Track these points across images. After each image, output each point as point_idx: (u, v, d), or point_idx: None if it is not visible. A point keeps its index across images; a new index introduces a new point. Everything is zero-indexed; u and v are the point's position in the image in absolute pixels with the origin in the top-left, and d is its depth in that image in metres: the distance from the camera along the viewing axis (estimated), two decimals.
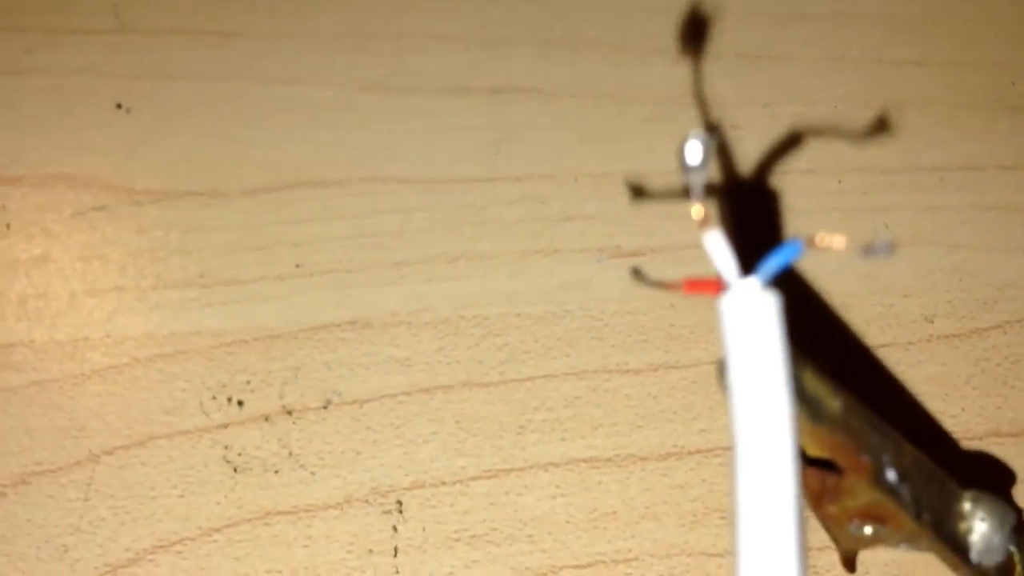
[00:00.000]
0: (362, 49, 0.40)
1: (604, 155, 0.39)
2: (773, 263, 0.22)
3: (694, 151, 0.22)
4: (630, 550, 0.33)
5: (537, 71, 0.40)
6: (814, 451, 0.26)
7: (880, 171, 0.39)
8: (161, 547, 0.32)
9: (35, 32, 0.40)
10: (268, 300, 0.36)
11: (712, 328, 0.35)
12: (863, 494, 0.27)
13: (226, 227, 0.37)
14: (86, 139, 0.38)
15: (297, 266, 0.36)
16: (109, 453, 0.33)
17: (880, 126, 0.39)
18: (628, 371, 0.35)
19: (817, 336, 0.36)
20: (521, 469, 0.34)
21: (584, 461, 0.34)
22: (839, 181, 0.39)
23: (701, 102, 0.40)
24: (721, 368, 0.22)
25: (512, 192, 0.38)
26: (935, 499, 0.28)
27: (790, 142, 0.39)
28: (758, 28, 0.42)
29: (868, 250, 0.21)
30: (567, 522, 0.33)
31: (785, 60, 0.41)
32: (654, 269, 0.37)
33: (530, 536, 0.33)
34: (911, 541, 0.29)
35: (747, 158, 0.39)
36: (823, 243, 0.22)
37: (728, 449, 0.32)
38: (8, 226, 0.36)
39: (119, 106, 0.39)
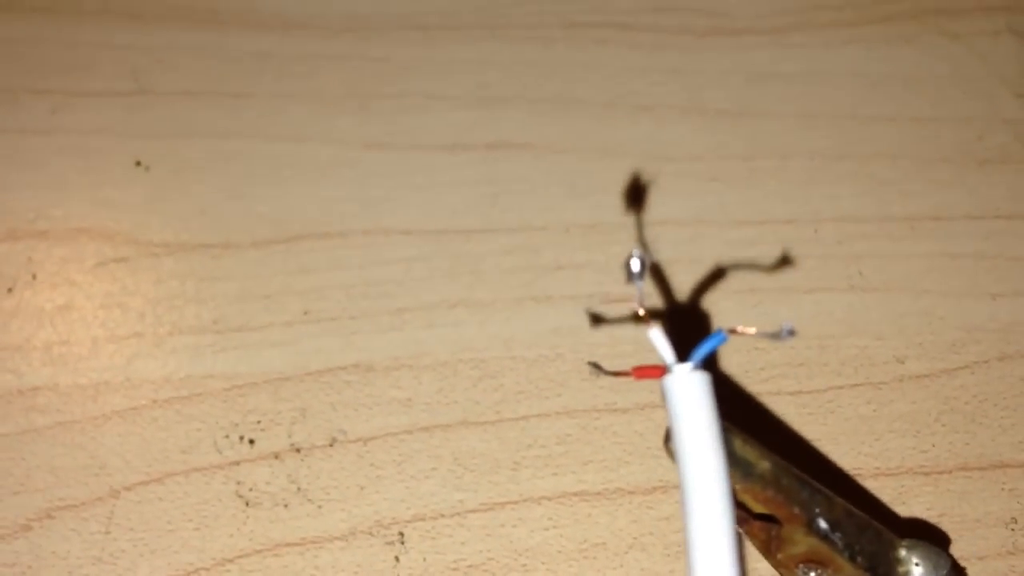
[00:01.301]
0: (364, 109, 0.42)
1: (593, 207, 0.40)
2: (703, 349, 0.27)
3: (636, 264, 0.27)
4: None
5: (530, 128, 0.42)
6: (755, 507, 0.29)
7: (854, 221, 0.40)
8: None
9: (59, 94, 0.41)
10: (277, 345, 0.37)
11: None
12: (801, 541, 0.30)
13: (237, 277, 0.38)
14: (107, 195, 0.39)
15: (304, 313, 0.38)
16: (129, 489, 0.34)
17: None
18: (616, 410, 0.36)
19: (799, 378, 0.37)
20: (516, 502, 0.35)
21: (575, 495, 0.35)
22: (815, 230, 0.40)
23: (684, 156, 0.42)
24: (667, 437, 0.28)
25: (507, 242, 0.39)
26: (870, 545, 0.30)
27: (768, 194, 0.41)
28: (737, 86, 0.43)
29: (775, 336, 0.27)
30: (559, 552, 0.34)
31: (762, 116, 0.43)
32: None
33: (524, 566, 0.34)
34: None
35: (727, 208, 0.40)
36: (741, 331, 0.28)
37: None
38: (34, 276, 0.37)
39: (138, 163, 0.40)
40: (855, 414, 0.37)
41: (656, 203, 0.40)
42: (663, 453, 0.35)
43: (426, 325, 0.38)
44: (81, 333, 0.37)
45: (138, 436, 0.35)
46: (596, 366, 0.30)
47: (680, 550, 0.34)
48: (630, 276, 0.28)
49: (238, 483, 0.34)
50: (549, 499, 0.35)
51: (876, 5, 0.46)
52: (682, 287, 0.39)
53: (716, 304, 0.38)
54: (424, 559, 0.34)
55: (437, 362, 0.37)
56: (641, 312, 0.28)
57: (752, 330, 0.28)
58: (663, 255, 0.39)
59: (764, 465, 0.29)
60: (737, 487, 0.29)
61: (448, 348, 0.37)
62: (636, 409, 0.36)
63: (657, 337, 0.28)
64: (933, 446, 0.36)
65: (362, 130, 0.42)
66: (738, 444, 0.28)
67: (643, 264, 0.28)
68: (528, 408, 0.36)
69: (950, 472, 0.36)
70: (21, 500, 0.34)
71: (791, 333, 0.27)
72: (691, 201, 0.41)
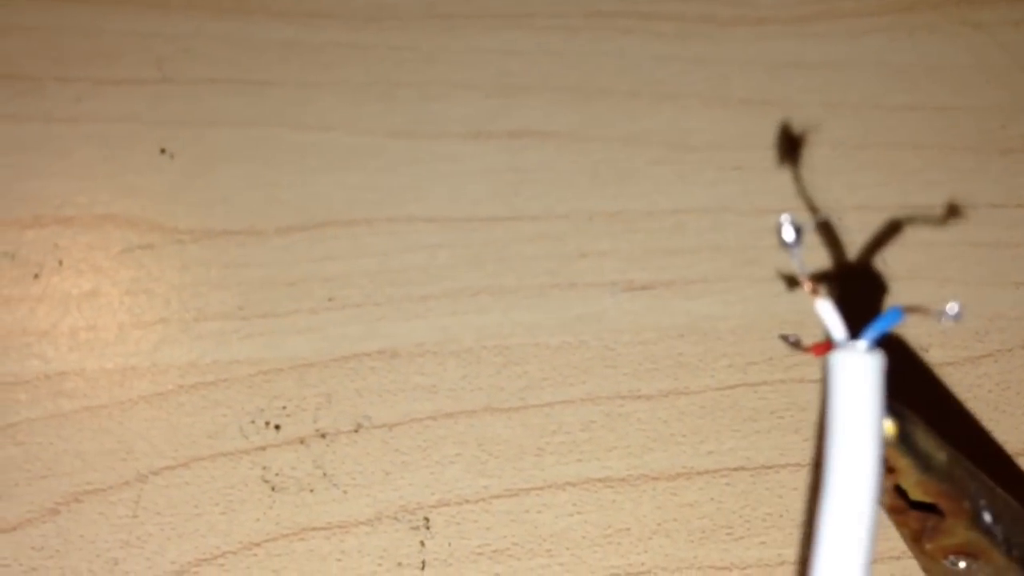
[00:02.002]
0: (389, 97, 0.42)
1: (616, 195, 0.40)
2: (878, 327, 0.25)
3: (789, 231, 0.25)
4: (643, 564, 0.34)
5: (553, 117, 0.42)
6: (919, 497, 0.29)
7: (877, 210, 0.41)
8: (205, 560, 0.33)
9: (84, 82, 0.41)
10: (302, 331, 0.37)
11: (718, 356, 0.37)
12: (960, 534, 0.30)
13: (262, 264, 0.38)
14: (132, 182, 0.39)
15: (329, 300, 0.38)
16: (156, 473, 0.34)
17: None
18: (640, 397, 0.37)
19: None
20: (540, 488, 0.35)
21: (599, 481, 0.35)
22: (839, 218, 0.40)
23: (707, 145, 0.42)
24: None
25: (530, 230, 0.40)
26: (1022, 536, 0.30)
27: (790, 182, 0.41)
28: (760, 76, 0.44)
29: (942, 314, 0.25)
30: (583, 538, 0.34)
31: (786, 105, 0.43)
32: (664, 302, 0.38)
33: (549, 551, 0.34)
34: (999, 575, 0.31)
35: (750, 197, 0.41)
36: (920, 311, 0.25)
37: (733, 470, 0.34)
38: (61, 263, 0.38)
39: (163, 151, 0.40)
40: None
41: (679, 191, 0.41)
42: (687, 440, 0.36)
43: (450, 312, 0.38)
44: (107, 319, 0.37)
45: (165, 421, 0.35)
46: (795, 343, 0.28)
47: (704, 536, 0.35)
48: (784, 244, 0.26)
49: (264, 468, 0.35)
50: (573, 485, 0.35)
51: None
52: (705, 275, 0.39)
53: (739, 291, 0.38)
54: (449, 544, 0.34)
55: (461, 348, 0.37)
56: (809, 287, 0.26)
57: (929, 310, 0.26)
58: (685, 244, 0.39)
59: (941, 457, 0.28)
60: (913, 480, 0.28)
61: (472, 335, 0.38)
62: (660, 396, 0.37)
63: (826, 311, 0.25)
64: (956, 434, 0.36)
65: (386, 118, 0.42)
66: (920, 435, 0.28)
67: (797, 230, 0.26)
68: (552, 395, 0.37)
69: (973, 459, 0.36)
70: (49, 484, 0.34)
71: (957, 316, 0.25)
72: (714, 189, 0.41)
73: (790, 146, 0.42)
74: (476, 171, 0.41)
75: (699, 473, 0.35)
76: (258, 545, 0.34)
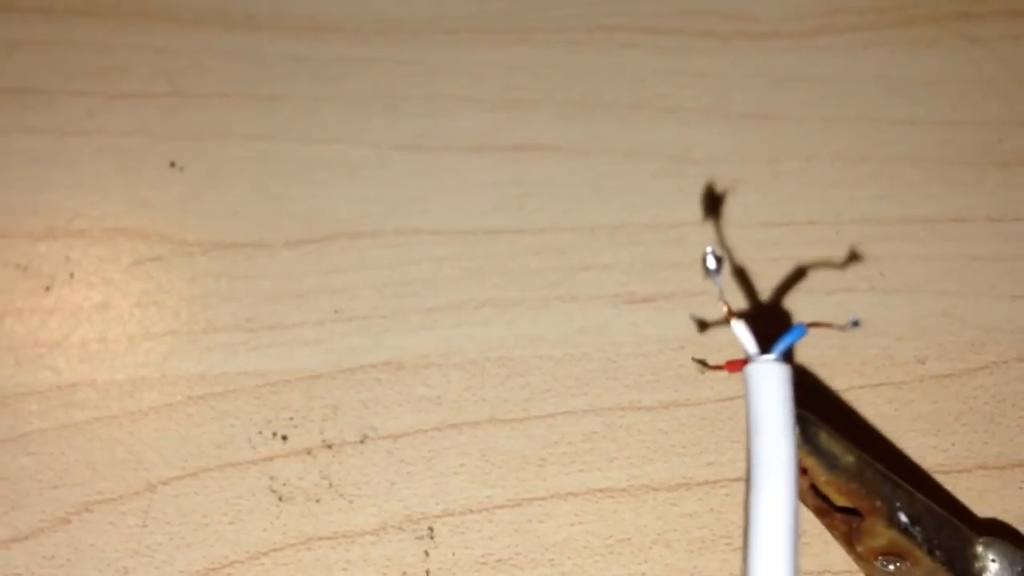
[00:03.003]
0: (395, 111, 0.43)
1: (619, 208, 0.41)
2: (784, 342, 0.29)
3: (712, 261, 0.29)
4: (643, 573, 0.34)
5: (557, 130, 0.43)
6: (838, 499, 0.30)
7: (875, 223, 0.41)
8: (213, 569, 0.34)
9: (96, 96, 0.42)
10: (309, 343, 0.38)
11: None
12: (882, 534, 0.31)
13: (270, 276, 0.39)
14: (143, 195, 0.40)
15: (335, 312, 0.38)
16: (165, 483, 0.35)
17: None
18: (641, 408, 0.37)
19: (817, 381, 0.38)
20: (543, 498, 0.35)
21: (601, 491, 0.36)
22: (837, 232, 0.41)
23: (708, 158, 0.42)
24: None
25: (534, 243, 0.40)
26: (948, 540, 0.31)
27: (791, 195, 0.42)
28: (760, 89, 0.44)
29: (842, 327, 0.29)
30: (585, 547, 0.35)
31: (786, 119, 0.43)
32: (665, 314, 0.39)
33: (551, 560, 0.34)
34: None
35: (750, 210, 0.41)
36: (821, 324, 0.29)
37: (733, 480, 0.35)
38: (72, 275, 0.38)
39: (172, 164, 0.41)
40: (876, 413, 0.37)
41: (680, 205, 0.41)
42: (687, 451, 0.36)
43: (455, 324, 0.38)
44: (118, 330, 0.38)
45: (174, 432, 0.36)
46: (702, 363, 0.31)
47: (704, 546, 0.35)
48: (707, 272, 0.30)
49: (271, 478, 0.35)
50: (575, 495, 0.36)
51: (898, 9, 0.46)
52: (706, 287, 0.39)
53: (739, 304, 0.39)
54: (453, 553, 0.35)
55: (466, 360, 0.38)
56: (724, 307, 0.30)
57: (831, 324, 0.30)
58: (687, 256, 0.40)
59: (849, 459, 0.30)
60: (822, 479, 0.30)
61: (476, 347, 0.38)
62: (660, 408, 0.37)
63: (740, 330, 0.29)
64: (953, 445, 0.37)
65: (392, 132, 0.42)
66: (824, 437, 0.30)
67: (718, 260, 0.30)
68: (555, 406, 0.37)
69: (969, 471, 0.36)
70: (60, 494, 0.35)
71: (856, 324, 0.29)
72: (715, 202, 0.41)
73: (788, 160, 0.42)
74: (481, 184, 0.41)
75: (699, 484, 0.36)
76: (265, 554, 0.34)
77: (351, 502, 0.35)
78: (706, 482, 0.36)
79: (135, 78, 0.43)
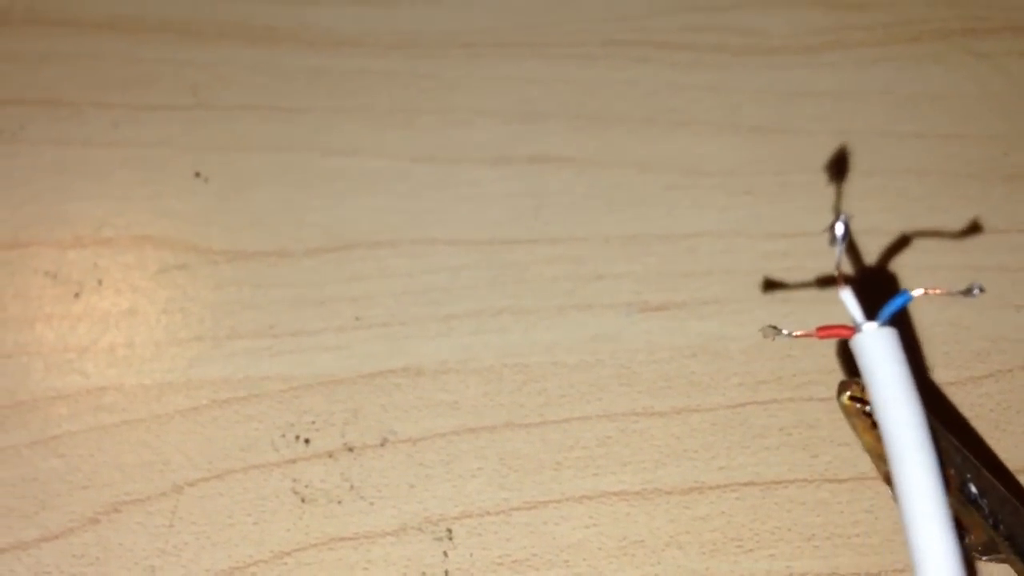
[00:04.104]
0: (413, 123, 0.43)
1: (632, 219, 0.42)
2: (889, 308, 0.32)
3: (841, 228, 0.32)
4: (656, 575, 0.35)
5: (571, 143, 0.43)
6: None
7: (883, 234, 0.42)
8: (238, 568, 0.35)
9: (122, 108, 0.43)
10: (330, 349, 0.38)
11: (729, 375, 0.38)
12: (949, 503, 0.31)
13: (292, 284, 0.40)
14: (168, 204, 0.41)
15: (356, 319, 0.39)
16: (191, 485, 0.36)
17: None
18: (654, 414, 0.38)
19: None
20: (558, 501, 0.36)
21: (615, 494, 0.36)
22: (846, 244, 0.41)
23: (719, 171, 0.43)
24: (840, 389, 0.33)
25: (549, 253, 0.41)
26: (1010, 517, 0.32)
27: (800, 207, 0.42)
28: (771, 104, 0.45)
29: (966, 292, 0.31)
30: (599, 549, 0.35)
31: (795, 133, 0.44)
32: (677, 323, 0.39)
33: (566, 562, 0.35)
34: (991, 551, 0.33)
35: (760, 221, 0.42)
36: (930, 292, 0.32)
37: (743, 485, 0.36)
38: (100, 282, 0.39)
39: (197, 175, 0.42)
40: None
41: (692, 216, 0.42)
42: (699, 455, 0.37)
43: (472, 331, 0.39)
44: (144, 336, 0.39)
45: (199, 435, 0.37)
46: (774, 328, 0.32)
47: (715, 548, 0.36)
48: (833, 239, 0.32)
49: (294, 480, 0.36)
50: (590, 498, 0.36)
51: (906, 25, 0.47)
52: (717, 296, 0.40)
53: (750, 312, 0.40)
54: (471, 554, 0.35)
55: (483, 367, 0.39)
56: (838, 276, 0.32)
57: (939, 290, 0.32)
58: (698, 266, 0.41)
59: None
60: None
61: (493, 353, 0.39)
62: (673, 413, 0.38)
63: (848, 298, 0.31)
64: None
65: (410, 144, 0.43)
66: None
67: (847, 228, 0.32)
68: (570, 411, 0.38)
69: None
70: (89, 495, 0.36)
71: (981, 290, 0.31)
72: (726, 214, 0.42)
73: (797, 172, 0.43)
74: (497, 195, 0.42)
75: (711, 488, 0.37)
76: (288, 554, 0.35)
77: (372, 504, 0.36)
78: (718, 486, 0.37)
79: (160, 90, 0.44)
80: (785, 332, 0.33)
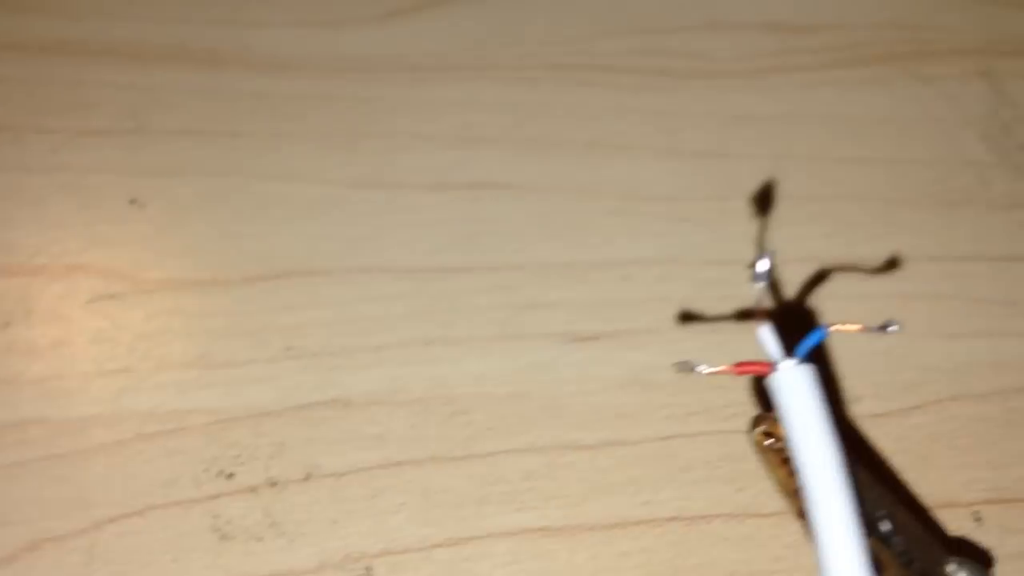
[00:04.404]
0: (353, 148, 0.43)
1: (569, 246, 0.41)
2: (807, 344, 0.32)
3: (764, 264, 0.32)
4: None
5: (512, 168, 0.43)
6: None
7: (820, 261, 0.41)
8: None
9: (61, 133, 0.43)
10: (259, 381, 0.38)
11: (659, 407, 0.38)
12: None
13: (224, 313, 0.39)
14: (102, 232, 0.41)
15: (287, 349, 0.39)
16: (111, 521, 0.35)
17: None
18: (581, 447, 0.38)
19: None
20: (480, 538, 0.36)
21: (538, 530, 0.36)
22: (781, 271, 0.41)
23: (658, 196, 0.43)
24: (754, 423, 0.35)
25: (485, 281, 0.41)
26: (922, 556, 0.32)
27: (739, 234, 0.42)
28: (713, 127, 0.45)
29: (880, 329, 0.32)
30: None
31: (736, 158, 0.44)
32: (608, 353, 0.39)
33: None
34: None
35: (698, 248, 0.42)
36: (843, 328, 0.32)
37: (667, 520, 0.35)
38: (29, 312, 0.39)
39: (133, 201, 0.42)
40: None
41: (629, 243, 0.42)
42: (623, 490, 0.37)
43: (403, 362, 0.39)
44: (72, 368, 0.38)
45: (122, 470, 0.37)
46: (686, 364, 0.32)
47: None
48: (756, 276, 0.32)
49: (215, 516, 0.36)
50: (512, 535, 0.36)
51: (851, 48, 0.47)
52: (650, 327, 0.40)
53: (683, 343, 0.40)
54: None
55: (411, 398, 0.38)
56: (759, 313, 0.32)
57: (855, 327, 0.32)
58: (632, 295, 0.40)
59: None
60: None
61: (422, 384, 0.39)
62: (600, 446, 0.38)
63: (766, 335, 0.32)
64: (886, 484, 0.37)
65: (349, 169, 0.43)
66: None
67: (770, 267, 0.32)
68: (496, 444, 0.38)
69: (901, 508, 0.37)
70: (8, 532, 0.35)
71: (897, 328, 0.32)
72: (663, 240, 0.42)
73: (737, 199, 0.43)
74: (434, 222, 0.42)
75: (633, 523, 0.36)
76: None
77: (292, 541, 0.36)
78: (640, 521, 0.36)
79: (101, 115, 0.44)
80: (700, 368, 0.33)
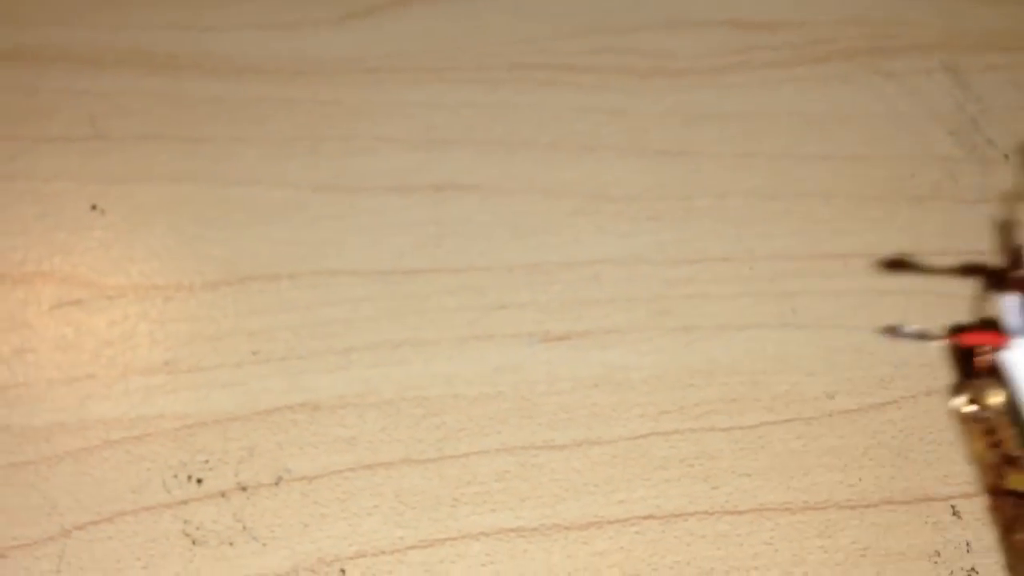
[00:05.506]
0: (314, 151, 0.43)
1: (535, 247, 0.41)
2: None
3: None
4: None
5: (476, 170, 0.43)
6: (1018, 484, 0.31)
7: (788, 258, 0.41)
8: None
9: (21, 140, 0.42)
10: (226, 385, 0.38)
11: (631, 406, 0.38)
12: None
13: (188, 318, 0.39)
14: (63, 239, 0.40)
15: (253, 353, 0.39)
16: (80, 528, 0.35)
17: None
18: (554, 447, 0.37)
19: None
20: (454, 539, 0.36)
21: (512, 531, 0.36)
22: (750, 268, 0.41)
23: (624, 196, 0.43)
24: (956, 391, 0.36)
25: (452, 283, 0.40)
26: None
27: (705, 232, 0.42)
28: (676, 126, 0.45)
29: None
30: None
31: (701, 156, 0.44)
32: (579, 353, 0.39)
33: None
34: None
35: (664, 247, 0.42)
36: None
37: (643, 518, 0.35)
38: None
39: (94, 207, 0.41)
40: (785, 449, 0.38)
41: (596, 242, 0.42)
42: (598, 489, 0.37)
43: (372, 364, 0.39)
44: (37, 375, 0.38)
45: (89, 476, 0.36)
46: (898, 330, 0.32)
47: None
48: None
49: (185, 522, 0.36)
50: (487, 535, 0.36)
51: (813, 45, 0.47)
52: (620, 326, 0.40)
53: (651, 342, 0.39)
54: None
55: (382, 400, 0.38)
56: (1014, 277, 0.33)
57: None
58: (602, 294, 0.40)
59: None
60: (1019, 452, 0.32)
61: (393, 386, 0.38)
62: (573, 445, 0.38)
63: (1013, 306, 0.33)
64: (860, 480, 0.37)
65: (312, 172, 0.43)
66: None
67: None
68: (468, 445, 0.37)
69: (876, 506, 0.37)
70: None
71: None
72: (629, 240, 0.42)
73: (703, 196, 0.43)
74: (399, 224, 0.42)
75: (609, 522, 0.36)
76: None
77: (264, 545, 0.35)
78: (616, 520, 0.36)
79: (58, 122, 0.43)
80: (908, 330, 0.33)
